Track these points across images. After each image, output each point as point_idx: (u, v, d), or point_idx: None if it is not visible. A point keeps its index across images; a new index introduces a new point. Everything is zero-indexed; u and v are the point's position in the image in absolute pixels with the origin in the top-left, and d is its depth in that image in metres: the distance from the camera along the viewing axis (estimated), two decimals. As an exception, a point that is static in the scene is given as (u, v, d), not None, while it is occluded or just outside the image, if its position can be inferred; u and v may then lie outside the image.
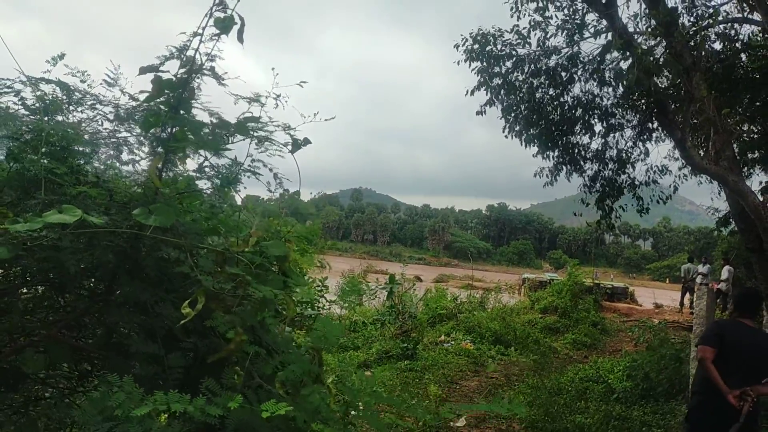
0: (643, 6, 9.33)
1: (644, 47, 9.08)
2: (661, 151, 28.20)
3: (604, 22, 10.30)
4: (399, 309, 14.94)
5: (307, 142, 2.74)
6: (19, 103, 2.67)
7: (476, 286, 25.93)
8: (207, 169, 2.88)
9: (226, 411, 1.67)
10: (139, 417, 1.54)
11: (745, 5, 10.18)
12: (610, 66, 11.65)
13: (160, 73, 2.07)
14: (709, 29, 10.20)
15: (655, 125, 11.62)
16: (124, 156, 2.91)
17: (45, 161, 2.33)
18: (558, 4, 11.59)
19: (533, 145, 12.26)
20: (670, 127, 9.49)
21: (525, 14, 11.60)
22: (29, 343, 2.18)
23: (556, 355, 12.86)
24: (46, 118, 2.63)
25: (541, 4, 11.46)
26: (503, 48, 11.75)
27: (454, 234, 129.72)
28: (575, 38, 11.49)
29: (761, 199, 8.88)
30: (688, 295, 21.33)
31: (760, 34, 10.07)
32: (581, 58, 11.77)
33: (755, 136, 10.39)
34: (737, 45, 10.34)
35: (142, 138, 2.76)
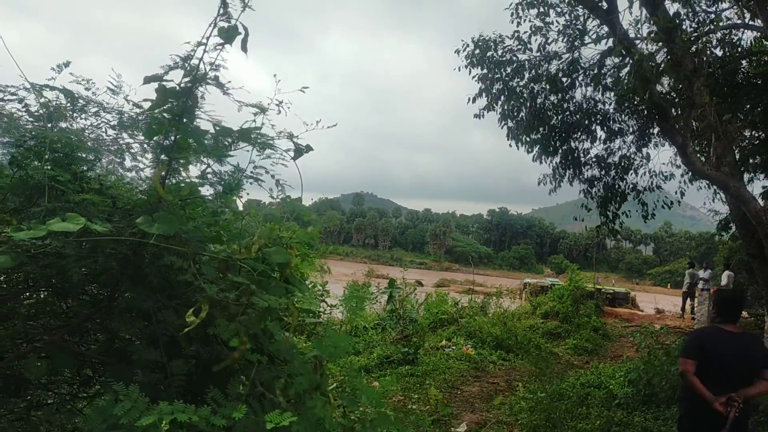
0: (645, 12, 9.33)
1: (645, 53, 9.09)
2: (663, 156, 28.25)
3: (605, 28, 10.32)
4: (400, 314, 14.93)
5: (309, 148, 2.75)
6: (23, 109, 2.68)
7: (477, 291, 25.90)
8: (209, 176, 2.89)
9: (231, 421, 1.67)
10: (144, 426, 1.54)
11: (746, 11, 10.19)
12: (611, 72, 11.68)
13: (164, 82, 2.08)
14: (711, 35, 10.22)
15: (656, 131, 11.65)
16: (127, 162, 2.92)
17: (48, 168, 2.33)
18: (559, 9, 11.62)
19: (534, 151, 12.29)
20: (672, 133, 9.50)
21: (526, 20, 11.63)
22: (32, 349, 2.18)
23: (558, 360, 12.85)
24: (49, 125, 2.64)
25: (541, 10, 11.50)
26: (504, 54, 11.78)
27: (455, 239, 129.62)
28: (576, 44, 11.52)
29: (762, 204, 8.88)
30: (689, 301, 21.32)
31: (762, 40, 10.08)
32: (582, 64, 11.79)
33: (756, 141, 10.39)
34: (738, 51, 10.35)
35: (145, 145, 2.77)
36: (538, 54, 11.88)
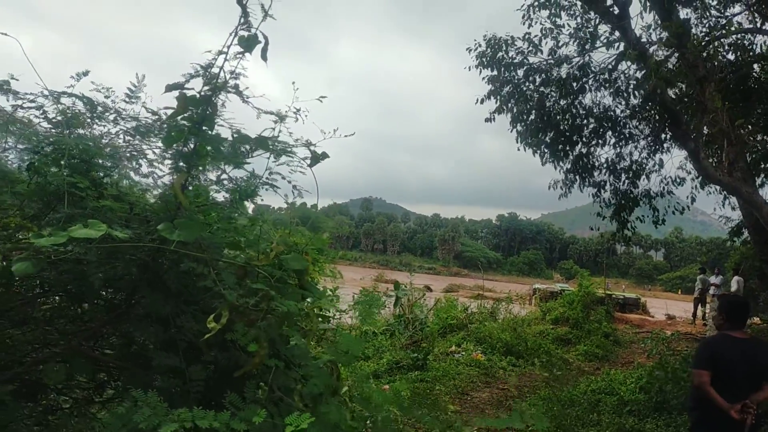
0: (656, 17, 9.32)
1: (657, 58, 9.07)
2: (674, 161, 28.09)
3: (617, 33, 10.31)
4: (409, 319, 14.90)
5: (325, 156, 2.77)
6: (41, 116, 2.71)
7: (487, 297, 25.84)
8: (225, 182, 2.91)
9: (251, 425, 1.68)
10: (164, 433, 1.55)
11: (757, 16, 10.16)
12: (622, 76, 11.65)
13: (184, 90, 2.11)
14: (722, 40, 10.19)
15: (668, 136, 11.60)
16: (144, 168, 2.94)
17: (66, 173, 2.36)
18: (570, 12, 11.61)
19: (543, 154, 12.26)
20: (684, 138, 9.47)
21: (537, 21, 11.61)
22: (51, 355, 2.20)
23: (568, 366, 12.78)
24: (67, 132, 2.67)
25: (553, 11, 11.48)
26: (515, 55, 11.77)
27: (464, 244, 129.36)
28: (587, 47, 11.50)
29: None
30: (700, 307, 21.19)
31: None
32: (593, 68, 11.78)
33: (769, 146, 10.35)
34: (750, 55, 10.31)
35: (165, 154, 2.80)
36: (549, 57, 11.88)
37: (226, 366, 2.14)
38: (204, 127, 2.20)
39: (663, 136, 11.94)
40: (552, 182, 12.91)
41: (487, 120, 12.23)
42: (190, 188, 2.52)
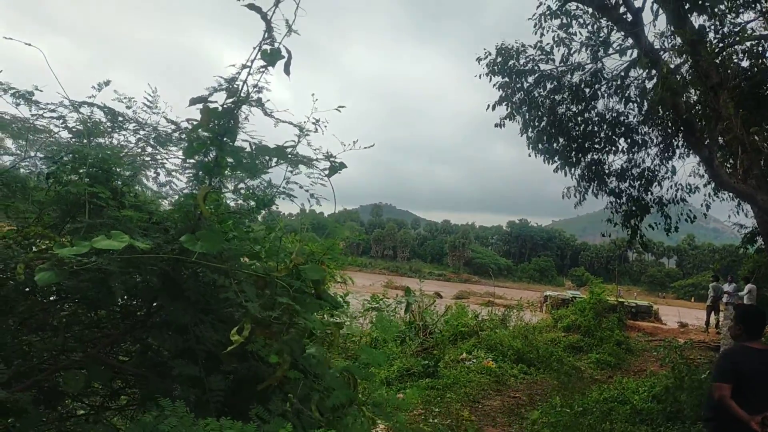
0: (669, 24, 9.28)
1: (670, 65, 9.04)
2: (686, 168, 27.91)
3: (629, 40, 10.28)
4: (419, 326, 14.89)
5: (342, 166, 2.79)
6: (62, 125, 2.74)
7: (497, 303, 25.76)
8: (242, 191, 2.94)
9: (275, 437, 1.68)
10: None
11: (771, 23, 10.11)
12: (635, 83, 11.61)
13: (208, 103, 2.13)
14: (736, 47, 10.13)
15: (681, 143, 11.54)
16: (162, 178, 2.97)
17: (86, 181, 2.38)
18: (582, 21, 11.60)
19: (555, 161, 12.23)
20: (697, 146, 9.41)
21: (548, 30, 11.62)
22: (70, 362, 2.22)
23: (580, 374, 12.71)
24: (85, 141, 2.70)
25: (564, 21, 11.48)
26: (526, 63, 11.78)
27: (475, 250, 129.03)
28: (599, 55, 11.48)
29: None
30: (713, 315, 21.01)
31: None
32: (605, 75, 11.75)
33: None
34: (764, 62, 10.24)
35: (184, 163, 2.82)
36: (561, 64, 11.86)
37: (245, 376, 2.15)
38: (225, 139, 2.22)
39: (675, 142, 11.88)
40: (565, 190, 12.88)
41: (497, 125, 12.22)
42: (208, 196, 2.55)
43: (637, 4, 9.35)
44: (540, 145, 12.02)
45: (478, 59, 11.91)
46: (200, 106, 2.10)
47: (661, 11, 8.69)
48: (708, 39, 9.39)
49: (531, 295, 33.30)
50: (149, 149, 2.92)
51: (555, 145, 11.96)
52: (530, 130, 12.00)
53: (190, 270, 2.28)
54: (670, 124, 10.66)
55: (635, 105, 11.72)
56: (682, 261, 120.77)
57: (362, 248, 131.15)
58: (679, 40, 8.92)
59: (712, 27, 10.26)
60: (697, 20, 8.99)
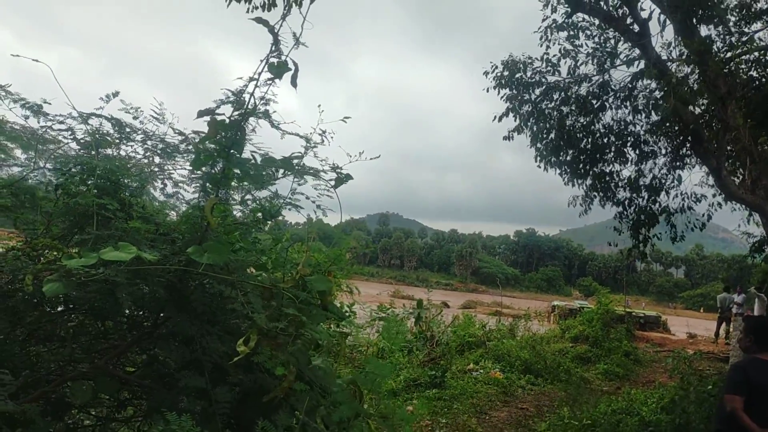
0: (676, 34, 9.28)
1: (678, 75, 9.03)
2: (694, 178, 27.81)
3: (636, 51, 10.29)
4: (427, 336, 14.84)
5: (348, 177, 2.80)
6: (70, 137, 2.76)
7: (504, 313, 25.66)
8: (249, 202, 2.95)
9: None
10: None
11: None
12: (642, 93, 11.61)
13: (215, 116, 2.15)
14: (743, 57, 10.12)
15: (689, 152, 11.51)
16: (169, 189, 2.99)
17: (95, 192, 2.40)
18: (588, 32, 11.63)
19: (564, 173, 12.23)
20: (705, 156, 9.39)
21: (555, 42, 11.66)
22: (78, 374, 2.23)
23: (588, 385, 12.63)
24: (93, 152, 2.72)
25: (571, 33, 11.52)
26: (533, 75, 11.81)
27: (482, 260, 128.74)
28: (606, 66, 11.49)
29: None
30: (724, 325, 20.85)
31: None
32: (612, 86, 11.75)
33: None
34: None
35: (191, 175, 2.84)
36: (568, 76, 11.89)
37: (251, 388, 2.15)
38: (232, 151, 2.24)
39: (683, 152, 11.86)
40: (571, 199, 12.88)
41: (506, 138, 12.24)
42: (215, 208, 2.56)
43: (644, 15, 9.37)
44: (549, 158, 12.02)
45: (486, 73, 11.96)
46: (208, 118, 2.12)
47: (668, 22, 8.70)
48: (715, 49, 9.38)
49: (538, 305, 33.16)
50: (157, 160, 2.94)
51: (564, 157, 11.97)
52: (539, 142, 12.01)
53: (197, 281, 2.29)
54: (677, 135, 10.64)
55: (643, 115, 11.72)
56: (691, 271, 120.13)
57: (369, 258, 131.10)
58: (686, 49, 8.91)
59: (720, 37, 10.26)
60: (704, 30, 8.99)
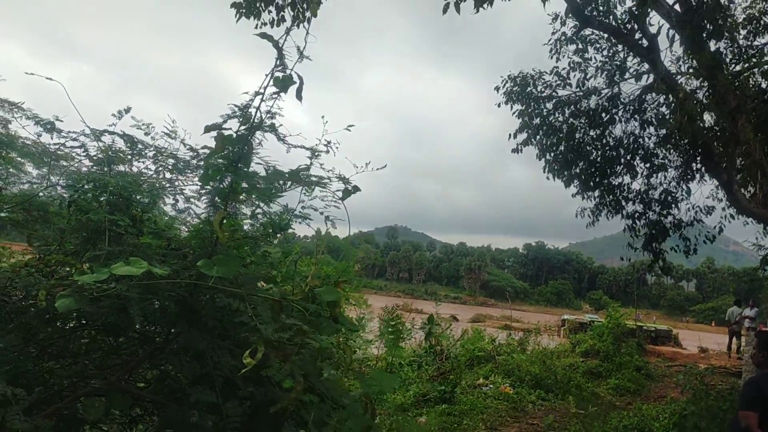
0: (686, 48, 9.29)
1: (687, 89, 9.03)
2: (704, 190, 27.67)
3: (646, 65, 10.30)
4: (436, 350, 14.79)
5: (356, 189, 2.81)
6: (83, 154, 2.79)
7: (514, 327, 25.53)
8: (259, 216, 2.97)
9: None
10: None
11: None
12: (652, 107, 11.62)
13: (222, 130, 2.17)
14: (753, 70, 10.11)
15: (699, 166, 11.48)
16: (180, 204, 3.01)
17: (107, 208, 2.42)
18: (598, 45, 11.68)
19: (573, 186, 12.23)
20: (716, 170, 9.35)
21: (564, 56, 11.73)
22: (91, 391, 2.23)
23: (599, 400, 12.52)
24: (106, 169, 2.75)
25: (580, 46, 11.57)
26: (543, 89, 11.86)
27: (491, 273, 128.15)
28: (616, 79, 11.52)
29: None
30: (735, 339, 20.63)
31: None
32: (622, 99, 11.77)
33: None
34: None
35: (201, 190, 2.86)
36: (578, 89, 11.92)
37: (262, 402, 2.15)
38: (240, 165, 2.26)
39: (694, 166, 11.83)
40: (579, 209, 12.88)
41: (515, 151, 12.28)
42: (224, 222, 2.57)
43: (653, 30, 9.38)
44: (558, 170, 12.03)
45: (496, 88, 12.05)
46: (215, 133, 2.14)
47: (676, 37, 8.71)
48: (725, 63, 9.37)
49: (548, 319, 32.99)
50: (168, 175, 2.97)
51: (574, 169, 11.98)
52: (548, 154, 12.04)
53: (208, 295, 2.30)
54: (687, 148, 10.62)
55: (653, 128, 11.72)
56: (702, 284, 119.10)
57: (378, 271, 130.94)
58: (695, 62, 8.90)
59: (729, 50, 10.25)
60: (713, 44, 8.98)
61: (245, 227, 3.02)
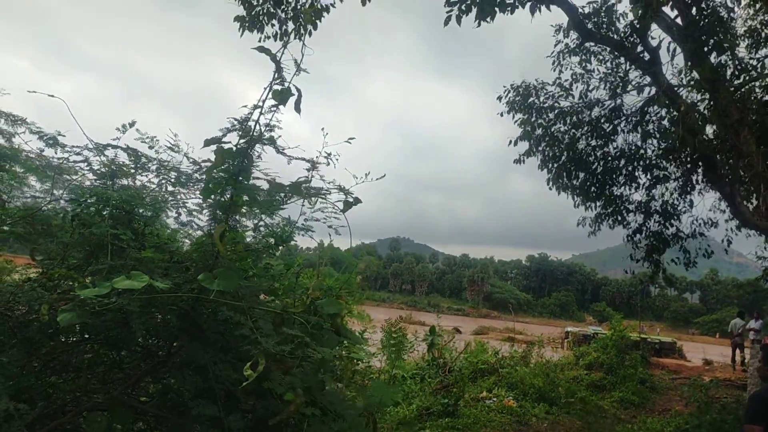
0: (688, 61, 9.32)
1: (688, 101, 9.05)
2: (706, 203, 27.66)
3: (648, 77, 10.34)
4: (439, 363, 14.70)
5: (357, 201, 2.82)
6: (87, 168, 2.80)
7: (518, 339, 25.43)
8: (261, 228, 2.98)
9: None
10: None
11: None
12: (654, 118, 11.64)
13: (222, 144, 2.18)
14: (754, 83, 10.12)
15: (700, 178, 11.50)
16: (183, 217, 3.02)
17: (109, 224, 2.43)
18: (600, 57, 11.73)
19: (575, 196, 12.24)
20: (719, 182, 9.35)
21: (567, 67, 11.78)
22: (94, 405, 2.23)
23: (603, 414, 12.43)
24: (110, 183, 2.76)
25: (583, 57, 11.62)
26: (546, 100, 11.90)
27: (494, 285, 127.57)
28: (618, 91, 11.56)
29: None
30: (738, 352, 20.50)
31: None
32: (624, 110, 11.81)
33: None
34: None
35: (203, 204, 2.87)
36: (580, 100, 11.96)
37: (264, 415, 2.15)
38: (240, 178, 2.27)
39: (695, 177, 11.84)
40: (581, 219, 12.90)
41: (516, 161, 12.31)
42: (227, 235, 2.58)
43: (654, 43, 9.42)
44: (560, 181, 12.05)
45: (499, 98, 12.09)
46: (215, 147, 2.16)
47: (678, 50, 8.74)
48: (726, 76, 9.40)
49: (552, 331, 32.86)
50: (171, 189, 2.98)
51: (575, 180, 11.99)
52: (550, 164, 12.06)
53: (210, 309, 2.31)
54: (689, 161, 10.63)
55: (655, 140, 11.74)
56: (706, 296, 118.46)
57: (380, 283, 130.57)
58: (696, 74, 8.93)
59: (731, 63, 10.28)
60: (714, 57, 9.01)
61: (248, 239, 3.02)
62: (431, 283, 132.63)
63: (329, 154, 2.81)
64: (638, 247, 12.29)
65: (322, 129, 2.79)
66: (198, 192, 2.95)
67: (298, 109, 2.39)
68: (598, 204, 12.39)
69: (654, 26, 9.07)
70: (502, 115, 12.07)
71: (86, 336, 2.55)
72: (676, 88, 10.03)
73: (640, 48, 9.68)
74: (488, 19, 7.87)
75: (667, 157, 11.61)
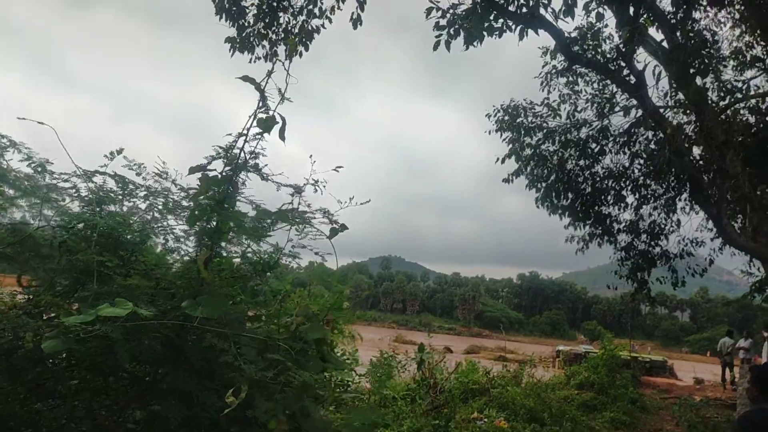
0: (673, 84, 9.46)
1: (674, 123, 9.18)
2: (693, 223, 27.84)
3: (634, 100, 10.47)
4: (430, 383, 14.62)
5: (344, 228, 2.84)
6: (75, 194, 2.81)
7: (509, 359, 25.39)
8: (249, 255, 2.99)
9: None
10: None
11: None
12: (641, 139, 11.78)
13: (207, 171, 2.21)
14: (739, 104, 10.28)
15: (687, 198, 11.62)
16: (171, 243, 3.02)
17: (95, 250, 2.43)
18: (587, 78, 11.87)
19: (564, 216, 12.31)
20: (705, 203, 9.45)
21: (555, 88, 11.92)
22: None
23: (594, 434, 12.39)
24: (98, 209, 2.77)
25: (570, 79, 11.76)
26: (534, 120, 12.01)
27: (485, 303, 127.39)
28: (605, 112, 11.69)
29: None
30: (728, 370, 20.56)
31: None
32: (611, 131, 11.93)
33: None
34: (768, 119, 10.36)
35: (191, 231, 2.89)
36: (567, 121, 12.09)
37: (247, 443, 2.15)
38: (225, 205, 2.29)
39: (682, 198, 11.96)
40: (569, 236, 12.97)
41: (505, 181, 12.39)
42: (214, 260, 2.59)
43: (640, 66, 9.56)
44: (548, 200, 12.12)
45: (488, 115, 12.18)
46: (200, 174, 2.18)
47: (663, 73, 8.88)
48: (712, 98, 9.55)
49: (543, 350, 32.82)
50: (158, 215, 2.99)
51: (564, 200, 12.07)
52: (539, 183, 12.14)
53: (194, 336, 2.31)
54: (676, 182, 10.75)
55: (642, 160, 11.87)
56: (696, 314, 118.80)
57: (371, 302, 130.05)
58: (682, 96, 9.06)
59: (716, 85, 10.44)
60: (699, 80, 9.15)
61: (234, 265, 3.03)
62: (422, 302, 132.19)
63: (316, 181, 2.82)
64: (624, 265, 12.38)
65: (311, 156, 2.81)
66: (185, 218, 2.96)
67: (282, 137, 2.42)
68: (587, 224, 12.46)
69: (639, 48, 9.22)
70: (489, 133, 12.16)
71: (72, 362, 2.55)
72: (662, 110, 10.17)
73: (626, 71, 9.82)
74: (476, 43, 7.98)
75: (655, 179, 11.73)
